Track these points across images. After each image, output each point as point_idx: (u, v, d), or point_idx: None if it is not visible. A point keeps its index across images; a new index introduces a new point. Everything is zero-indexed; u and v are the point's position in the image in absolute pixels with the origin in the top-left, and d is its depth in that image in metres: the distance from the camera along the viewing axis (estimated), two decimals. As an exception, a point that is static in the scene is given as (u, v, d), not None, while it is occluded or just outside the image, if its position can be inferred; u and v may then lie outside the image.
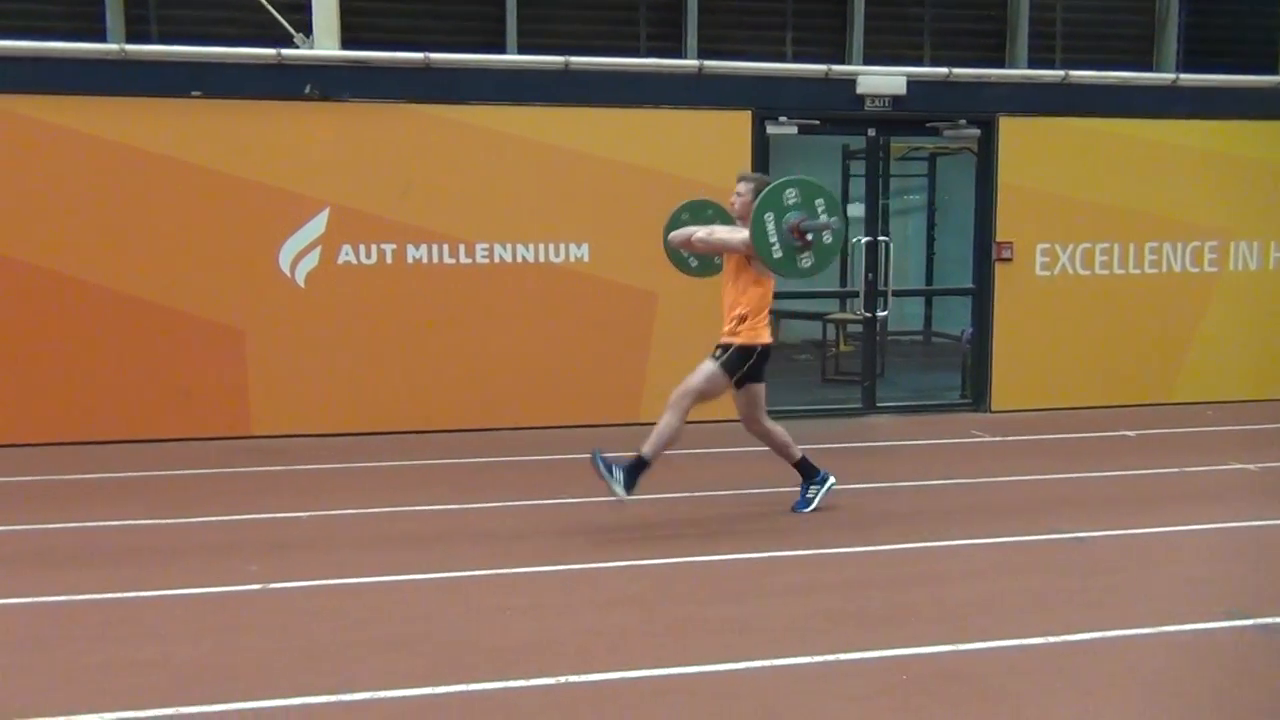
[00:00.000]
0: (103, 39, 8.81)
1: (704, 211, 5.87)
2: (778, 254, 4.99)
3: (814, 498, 5.61)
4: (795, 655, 3.67)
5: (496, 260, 7.85)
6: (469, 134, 7.75)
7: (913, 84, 8.33)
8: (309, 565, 4.71)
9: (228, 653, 3.73)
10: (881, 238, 8.52)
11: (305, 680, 3.47)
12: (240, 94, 7.47)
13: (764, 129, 8.15)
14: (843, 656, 3.67)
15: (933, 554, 4.93)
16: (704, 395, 5.29)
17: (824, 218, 4.99)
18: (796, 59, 11.01)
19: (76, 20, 9.09)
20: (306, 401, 7.71)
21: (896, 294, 8.71)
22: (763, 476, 6.33)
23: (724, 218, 5.69)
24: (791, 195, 4.98)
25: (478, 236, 7.81)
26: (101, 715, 3.21)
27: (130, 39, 8.98)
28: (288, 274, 7.57)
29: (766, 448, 5.59)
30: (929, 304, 11.68)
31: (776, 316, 10.10)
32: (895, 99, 8.31)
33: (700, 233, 5.40)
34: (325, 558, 4.85)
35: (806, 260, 5.05)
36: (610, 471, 5.12)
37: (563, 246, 7.94)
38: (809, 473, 5.63)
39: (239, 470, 6.72)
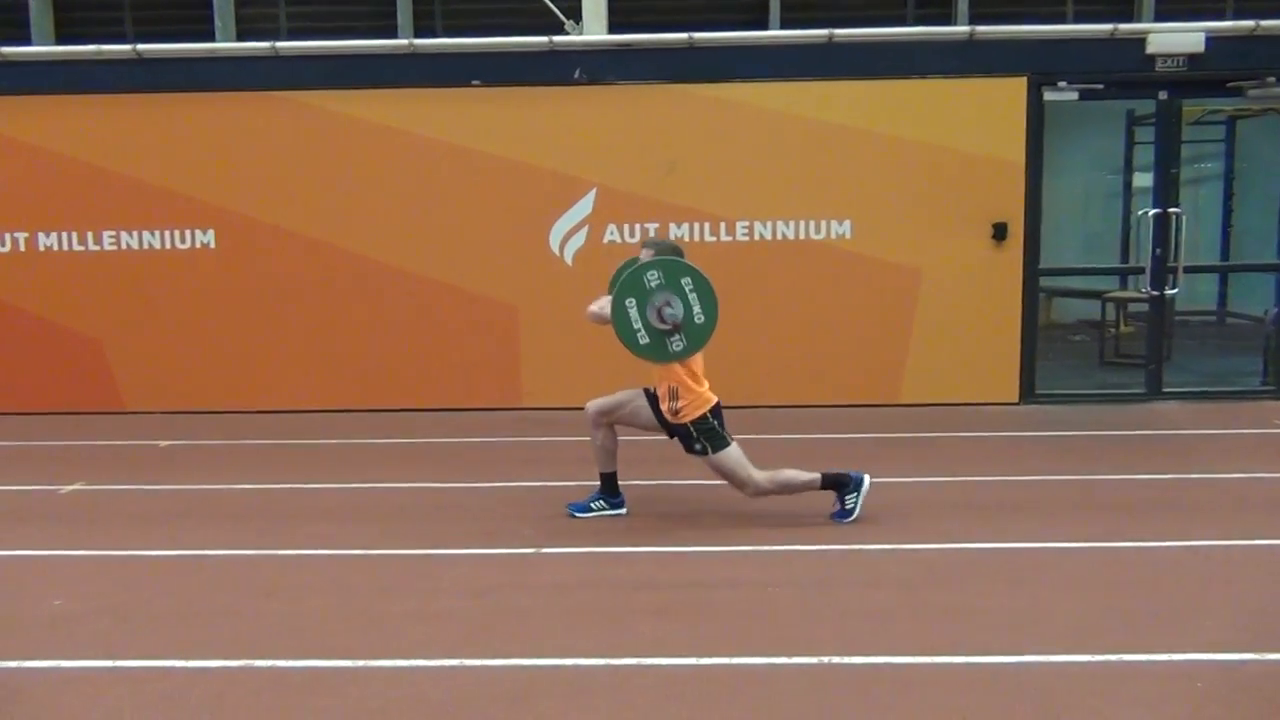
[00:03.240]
0: (394, 35, 9.47)
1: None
2: (644, 341, 4.74)
3: (594, 507, 5.16)
4: (1077, 652, 3.48)
5: (756, 237, 7.86)
6: (731, 111, 7.78)
7: (1212, 40, 7.61)
8: (582, 532, 4.91)
9: (505, 612, 3.95)
10: (1173, 209, 7.86)
11: (575, 643, 3.63)
12: (515, 81, 7.83)
13: (1040, 96, 7.69)
14: (1129, 657, 3.44)
15: (1229, 553, 4.52)
16: (747, 472, 4.92)
17: (692, 298, 4.68)
18: (1078, 19, 10.33)
19: (371, 19, 9.81)
20: (572, 375, 8.01)
21: (1188, 270, 8.02)
22: (1026, 467, 6.06)
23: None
24: (654, 278, 4.69)
25: (738, 214, 7.84)
26: (396, 662, 3.49)
27: (418, 34, 9.60)
28: (557, 253, 7.89)
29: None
30: (1223, 281, 10.68)
31: (1048, 295, 9.61)
32: (1191, 58, 7.62)
33: (594, 305, 5.01)
34: (592, 526, 5.04)
35: (678, 344, 4.73)
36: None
37: (824, 223, 7.84)
38: (608, 489, 5.19)
39: (512, 440, 7.10)
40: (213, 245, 7.96)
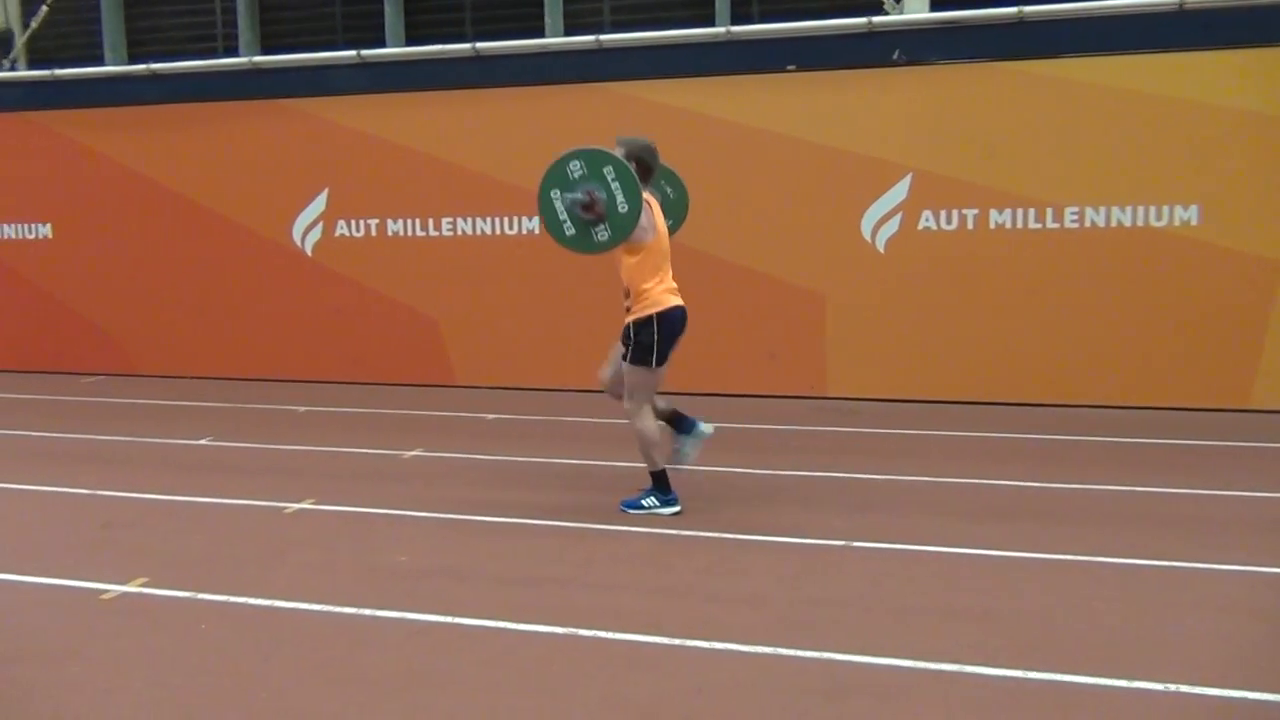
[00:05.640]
0: (711, 23, 9.59)
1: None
2: (570, 232, 4.78)
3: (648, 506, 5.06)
4: None
5: (1088, 224, 7.32)
6: (1062, 89, 7.29)
7: None
8: (886, 527, 4.79)
9: (820, 604, 3.91)
10: None
11: (892, 642, 3.52)
12: (830, 64, 7.72)
13: None
14: None
15: None
16: (643, 397, 4.94)
17: (615, 187, 4.64)
18: None
19: (690, 8, 9.98)
20: (879, 366, 7.84)
21: None
22: None
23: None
24: (577, 168, 4.70)
25: (1067, 199, 7.34)
26: (712, 644, 3.54)
27: (735, 20, 9.66)
28: (869, 240, 7.72)
29: None
30: None
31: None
32: None
33: None
34: (901, 522, 4.90)
35: (603, 234, 4.73)
36: (644, 504, 5.03)
37: (1166, 209, 7.18)
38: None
39: (818, 429, 7.04)
40: (537, 232, 8.41)
